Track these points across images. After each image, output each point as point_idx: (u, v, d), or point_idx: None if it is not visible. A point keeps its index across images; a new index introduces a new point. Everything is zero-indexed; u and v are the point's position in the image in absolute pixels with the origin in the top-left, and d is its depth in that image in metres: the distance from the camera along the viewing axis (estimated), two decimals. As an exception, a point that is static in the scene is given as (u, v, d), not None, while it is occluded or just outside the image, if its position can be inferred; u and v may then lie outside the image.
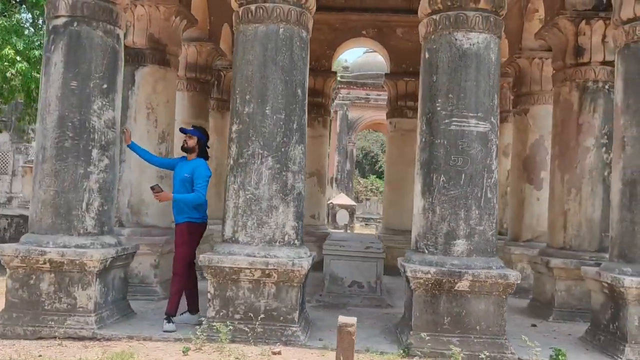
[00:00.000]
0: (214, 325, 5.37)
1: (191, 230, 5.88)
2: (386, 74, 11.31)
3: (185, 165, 6.01)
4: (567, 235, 7.27)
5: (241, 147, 5.63)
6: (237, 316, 5.47)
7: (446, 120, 5.54)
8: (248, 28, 5.67)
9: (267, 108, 5.58)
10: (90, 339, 5.43)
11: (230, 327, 5.35)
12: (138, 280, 7.26)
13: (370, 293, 7.52)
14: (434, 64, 5.66)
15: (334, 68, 11.52)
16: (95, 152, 5.73)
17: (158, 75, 7.51)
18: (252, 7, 5.62)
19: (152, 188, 5.87)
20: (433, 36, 5.69)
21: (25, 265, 5.51)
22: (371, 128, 33.27)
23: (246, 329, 5.38)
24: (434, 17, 5.67)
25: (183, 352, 5.03)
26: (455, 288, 5.36)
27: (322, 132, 11.60)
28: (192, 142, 6.03)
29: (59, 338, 5.38)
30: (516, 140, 9.15)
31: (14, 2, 12.37)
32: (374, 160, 44.51)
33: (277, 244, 5.57)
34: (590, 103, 7.16)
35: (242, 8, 5.71)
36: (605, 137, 7.13)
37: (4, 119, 18.20)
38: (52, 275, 5.54)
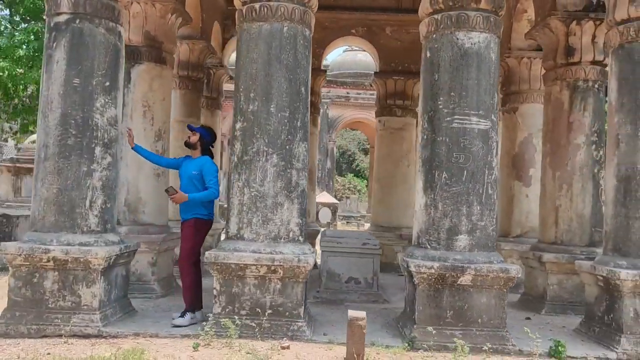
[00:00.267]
0: (221, 321, 5.40)
1: (198, 227, 5.93)
2: (375, 73, 11.42)
3: (191, 163, 6.05)
4: (559, 230, 7.46)
5: (246, 144, 5.67)
6: (243, 312, 5.52)
7: (448, 118, 5.65)
8: (252, 26, 5.71)
9: (271, 106, 5.64)
10: (96, 336, 5.43)
11: (237, 323, 5.40)
12: (135, 278, 7.23)
13: (367, 289, 7.61)
14: (436, 63, 5.77)
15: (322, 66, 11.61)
16: (98, 150, 5.71)
17: (154, 73, 7.50)
18: (257, 5, 5.66)
19: (167, 191, 5.90)
20: (434, 35, 5.79)
21: (28, 263, 5.48)
22: (351, 126, 33.44)
23: (253, 324, 5.44)
24: (435, 16, 5.76)
25: (193, 347, 5.07)
26: (458, 282, 5.48)
27: (313, 130, 11.66)
28: (195, 138, 6.08)
29: (64, 336, 5.36)
30: (505, 138, 9.32)
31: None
32: (351, 158, 44.70)
33: (282, 240, 5.63)
34: (581, 102, 7.35)
35: (245, 6, 5.74)
36: (595, 134, 7.34)
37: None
38: (56, 273, 5.51)
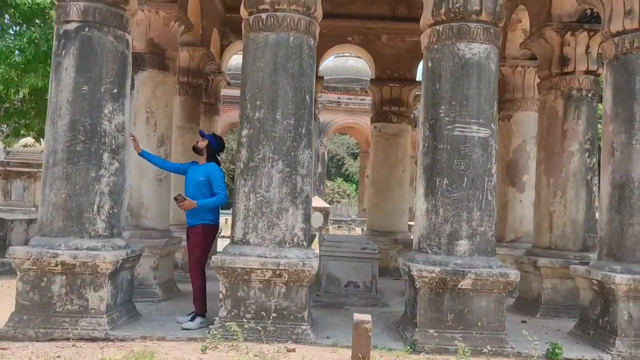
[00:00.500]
0: (227, 325, 5.51)
1: (206, 233, 6.05)
2: (371, 80, 11.60)
3: (197, 169, 6.16)
4: (553, 235, 7.65)
5: (252, 151, 5.79)
6: (248, 315, 5.63)
7: (449, 126, 5.81)
8: (259, 36, 5.84)
9: (277, 113, 5.76)
10: (104, 339, 5.51)
11: (243, 326, 5.50)
12: (137, 282, 7.29)
13: (366, 293, 7.75)
14: (437, 73, 5.92)
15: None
16: (106, 156, 5.81)
17: (157, 79, 7.60)
18: (263, 15, 5.79)
19: (176, 199, 6.00)
20: (436, 46, 5.95)
21: (36, 267, 5.55)
22: (341, 131, 33.62)
23: (258, 327, 5.54)
24: (437, 27, 5.92)
25: (202, 350, 5.17)
26: (459, 286, 5.63)
27: (309, 136, 11.80)
28: (203, 144, 6.20)
29: (72, 339, 5.43)
30: (500, 145, 9.46)
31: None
32: (340, 163, 44.93)
33: (287, 245, 5.75)
34: (575, 110, 7.55)
35: (252, 16, 5.87)
36: (589, 142, 7.55)
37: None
38: (64, 277, 5.59)
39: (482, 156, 5.79)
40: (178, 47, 8.10)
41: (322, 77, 12.36)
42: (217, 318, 5.68)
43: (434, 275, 5.61)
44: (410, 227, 13.22)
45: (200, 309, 6.08)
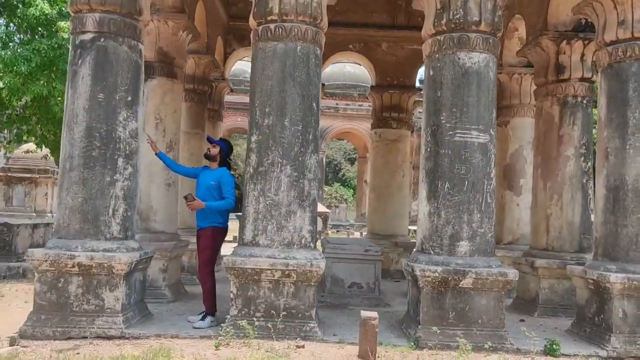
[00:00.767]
0: (238, 323, 5.73)
1: (215, 236, 6.28)
2: (371, 87, 11.86)
3: (209, 174, 6.39)
4: (550, 237, 7.90)
5: (261, 156, 6.02)
6: (258, 314, 5.85)
7: (450, 132, 6.06)
8: (267, 45, 6.08)
9: (286, 120, 6.00)
10: (119, 338, 5.72)
11: (254, 324, 5.73)
12: (147, 283, 7.49)
13: (369, 293, 7.97)
14: (438, 81, 6.18)
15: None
16: (120, 161, 6.03)
17: (166, 87, 7.85)
18: (272, 26, 6.03)
19: (185, 198, 6.21)
20: (437, 55, 6.21)
21: (54, 268, 5.77)
22: (339, 137, 33.88)
23: (268, 325, 5.77)
24: (438, 37, 6.18)
25: (215, 347, 5.39)
26: (460, 285, 5.87)
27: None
28: (215, 150, 6.43)
29: (89, 338, 5.66)
30: (497, 150, 9.70)
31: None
32: (337, 168, 45.19)
33: (295, 246, 5.98)
34: (570, 116, 7.82)
35: (261, 27, 6.11)
36: (584, 147, 7.81)
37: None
38: (80, 278, 5.81)
39: (482, 161, 6.04)
40: (186, 56, 8.35)
41: (323, 84, 12.64)
42: (228, 316, 5.90)
43: (436, 274, 5.85)
44: (409, 230, 13.46)
45: (211, 309, 6.30)
